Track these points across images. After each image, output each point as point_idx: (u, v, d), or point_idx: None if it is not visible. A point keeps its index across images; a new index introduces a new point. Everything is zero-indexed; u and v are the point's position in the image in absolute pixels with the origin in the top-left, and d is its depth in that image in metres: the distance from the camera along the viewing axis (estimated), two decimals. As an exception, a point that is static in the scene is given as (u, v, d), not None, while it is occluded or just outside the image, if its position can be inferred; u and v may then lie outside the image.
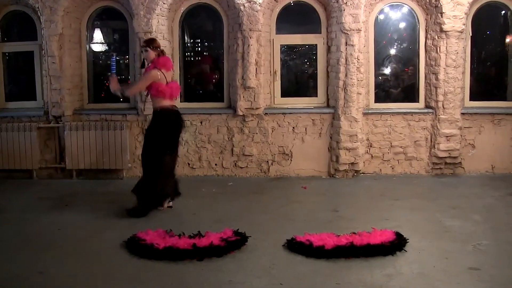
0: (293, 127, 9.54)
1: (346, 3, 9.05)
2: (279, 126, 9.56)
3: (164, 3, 9.30)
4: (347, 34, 9.12)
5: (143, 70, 7.59)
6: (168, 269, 5.25)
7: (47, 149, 9.76)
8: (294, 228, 6.32)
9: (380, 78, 10.01)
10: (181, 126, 7.42)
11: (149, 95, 7.36)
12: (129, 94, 8.04)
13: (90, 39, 10.16)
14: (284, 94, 9.84)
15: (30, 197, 8.40)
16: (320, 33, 9.69)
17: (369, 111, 9.55)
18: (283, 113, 9.57)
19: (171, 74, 7.38)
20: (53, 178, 9.76)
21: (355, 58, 9.16)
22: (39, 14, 9.47)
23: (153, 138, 7.19)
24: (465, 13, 9.15)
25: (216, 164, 9.70)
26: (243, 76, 9.32)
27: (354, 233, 5.98)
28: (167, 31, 9.53)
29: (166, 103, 7.20)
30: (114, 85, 7.29)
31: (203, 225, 6.39)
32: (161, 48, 7.44)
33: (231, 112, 9.53)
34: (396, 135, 9.54)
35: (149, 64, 7.29)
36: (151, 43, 7.34)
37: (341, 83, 9.24)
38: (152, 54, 7.23)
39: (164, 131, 7.17)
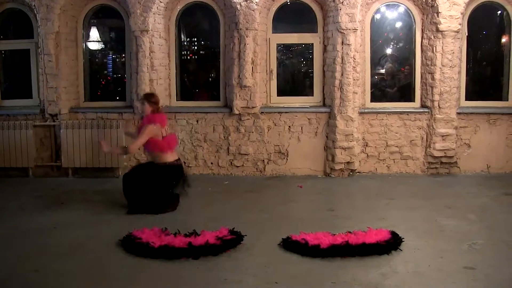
0: (289, 126, 9.55)
1: (343, 2, 9.05)
2: (275, 125, 9.57)
3: (160, 1, 9.29)
4: (344, 33, 9.13)
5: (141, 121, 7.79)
6: (164, 268, 5.26)
7: (43, 147, 9.75)
8: (289, 227, 6.34)
9: (376, 77, 10.02)
10: (182, 176, 7.58)
11: (147, 150, 7.62)
12: (132, 152, 7.99)
13: (87, 37, 10.14)
14: (280, 93, 9.84)
15: (26, 195, 8.39)
16: (317, 32, 9.69)
17: (365, 111, 9.55)
18: (279, 112, 9.57)
19: (166, 128, 7.53)
20: (49, 176, 9.75)
21: (351, 58, 9.17)
22: (35, 12, 9.45)
23: (156, 184, 7.35)
24: (461, 13, 9.17)
25: (212, 163, 9.70)
26: (239, 75, 9.33)
27: (350, 232, 6.00)
28: (163, 30, 9.54)
29: (168, 157, 7.35)
30: (113, 149, 8.02)
31: (199, 224, 6.40)
32: (159, 104, 7.61)
33: (227, 111, 9.53)
34: (392, 134, 9.55)
35: (144, 118, 7.45)
36: (149, 98, 7.53)
37: (337, 82, 9.25)
38: (148, 109, 7.39)
39: (168, 182, 7.39)
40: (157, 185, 7.31)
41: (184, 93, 10.14)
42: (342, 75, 9.21)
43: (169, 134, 7.59)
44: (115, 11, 9.85)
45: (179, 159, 7.60)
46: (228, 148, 9.61)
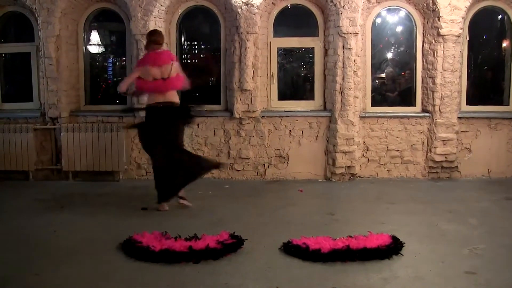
0: (290, 130, 9.55)
1: (344, 6, 9.06)
2: (276, 129, 9.56)
3: (161, 5, 9.30)
4: (344, 37, 9.13)
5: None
6: (164, 272, 5.24)
7: (43, 150, 9.74)
8: (290, 231, 6.32)
9: (377, 81, 10.02)
10: (163, 120, 7.39)
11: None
12: (120, 89, 7.56)
13: (87, 40, 10.14)
14: (281, 97, 9.84)
15: (26, 198, 8.38)
16: (317, 36, 9.69)
17: (366, 115, 9.55)
18: (279, 116, 9.57)
19: (165, 68, 7.32)
20: (49, 179, 9.74)
21: (352, 62, 9.17)
22: (36, 15, 9.45)
23: (140, 133, 7.50)
24: (462, 18, 9.17)
25: (212, 167, 9.69)
26: (240, 79, 9.32)
27: (351, 236, 5.98)
28: (164, 33, 9.52)
29: (152, 98, 7.37)
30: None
31: (199, 228, 6.38)
32: (159, 42, 7.46)
33: (228, 114, 9.52)
34: (393, 138, 9.54)
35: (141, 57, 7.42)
36: (148, 35, 7.55)
37: (338, 86, 9.25)
38: (145, 46, 7.49)
39: (145, 127, 7.46)
40: (142, 137, 7.46)
41: (185, 96, 10.09)
42: (343, 79, 9.21)
43: (174, 75, 7.40)
44: (116, 15, 9.86)
45: (169, 102, 7.39)
46: (228, 152, 9.61)
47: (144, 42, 7.42)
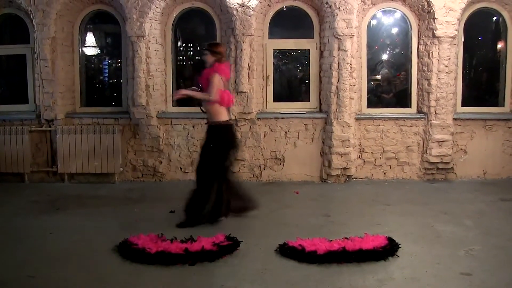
0: (286, 132, 9.55)
1: (339, 8, 9.07)
2: (272, 130, 9.56)
3: (157, 7, 9.29)
4: (340, 39, 9.14)
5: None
6: (160, 274, 5.24)
7: (39, 152, 9.72)
8: (286, 233, 6.33)
9: (372, 83, 10.03)
10: (235, 143, 7.18)
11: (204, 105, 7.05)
12: (214, 99, 6.85)
13: (83, 42, 10.13)
14: (277, 98, 9.85)
15: (21, 200, 8.37)
16: (313, 38, 9.70)
17: (362, 116, 9.56)
18: (275, 118, 9.57)
19: (227, 83, 7.15)
20: (44, 181, 9.73)
21: (347, 63, 9.18)
22: (31, 17, 9.44)
23: (210, 154, 6.94)
24: (458, 19, 9.19)
25: (208, 169, 9.68)
26: (235, 81, 9.32)
27: (346, 238, 5.99)
28: (159, 35, 9.53)
29: (222, 115, 6.92)
30: (192, 92, 7.06)
31: (195, 230, 6.38)
32: (223, 55, 7.13)
33: (224, 116, 9.50)
34: (388, 140, 9.55)
35: (208, 67, 6.96)
36: (212, 47, 7.05)
37: (333, 88, 9.26)
38: (210, 58, 6.93)
39: (219, 149, 6.93)
40: (208, 156, 6.88)
41: (181, 98, 10.09)
42: (338, 80, 9.22)
43: (225, 90, 7.02)
44: (112, 17, 9.85)
45: (231, 119, 7.17)
46: (224, 154, 9.59)
47: (206, 53, 7.02)
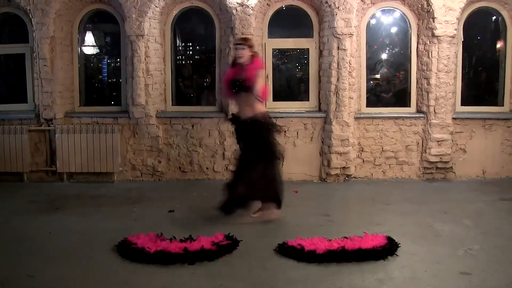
0: (285, 131, 9.53)
1: (338, 7, 9.06)
2: (271, 130, 9.54)
3: (156, 6, 9.29)
4: (339, 38, 9.14)
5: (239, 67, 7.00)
6: (159, 273, 5.23)
7: (38, 152, 9.71)
8: (285, 232, 6.33)
9: (371, 82, 10.02)
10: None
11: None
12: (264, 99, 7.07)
13: (82, 42, 10.12)
14: (276, 98, 9.83)
15: (20, 200, 8.36)
16: (312, 37, 9.70)
17: (361, 116, 9.56)
18: (274, 117, 9.47)
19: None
20: (44, 181, 9.72)
21: (347, 63, 9.17)
22: (30, 16, 9.43)
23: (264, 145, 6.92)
24: (457, 18, 9.19)
25: (207, 168, 9.68)
26: (235, 80, 9.30)
27: (346, 237, 5.98)
28: (159, 35, 9.53)
29: (262, 107, 6.95)
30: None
31: (194, 229, 6.37)
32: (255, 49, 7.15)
33: (223, 116, 9.49)
34: (388, 139, 9.55)
35: (248, 63, 6.84)
36: (248, 41, 7.02)
37: (333, 87, 9.25)
38: (247, 53, 6.83)
39: (265, 139, 6.93)
40: (262, 147, 6.84)
41: (180, 98, 10.11)
42: (337, 80, 9.22)
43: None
44: (111, 16, 9.84)
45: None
46: (223, 153, 9.60)
47: (243, 47, 6.92)
